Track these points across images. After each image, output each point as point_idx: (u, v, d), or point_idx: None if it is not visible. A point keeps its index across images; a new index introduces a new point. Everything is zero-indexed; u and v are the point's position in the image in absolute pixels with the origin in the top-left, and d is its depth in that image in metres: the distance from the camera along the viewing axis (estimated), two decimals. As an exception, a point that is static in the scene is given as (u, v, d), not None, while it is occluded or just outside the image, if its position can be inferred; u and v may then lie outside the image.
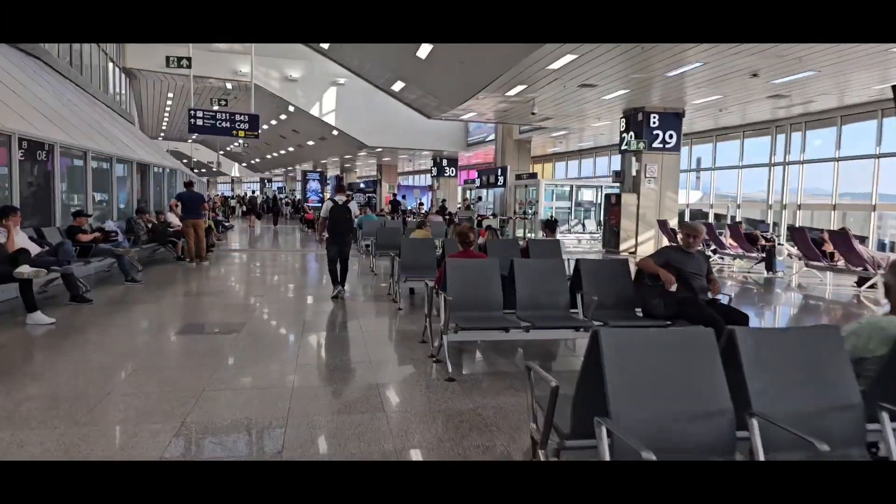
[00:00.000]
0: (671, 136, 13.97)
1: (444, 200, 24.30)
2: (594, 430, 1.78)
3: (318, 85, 21.09)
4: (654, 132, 13.84)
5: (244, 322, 5.71)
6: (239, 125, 14.02)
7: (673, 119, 13.94)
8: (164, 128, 32.60)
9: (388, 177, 33.84)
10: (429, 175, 30.30)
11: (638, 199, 14.19)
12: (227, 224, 19.57)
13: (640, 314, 4.50)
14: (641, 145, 13.71)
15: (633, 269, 4.79)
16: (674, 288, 4.19)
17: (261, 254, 13.55)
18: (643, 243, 14.42)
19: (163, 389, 3.70)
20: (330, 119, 21.73)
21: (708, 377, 1.93)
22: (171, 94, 23.34)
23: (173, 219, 11.14)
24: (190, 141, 37.49)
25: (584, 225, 19.24)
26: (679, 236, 4.63)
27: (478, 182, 23.15)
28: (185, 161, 38.67)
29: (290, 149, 33.38)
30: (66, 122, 9.57)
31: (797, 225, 14.07)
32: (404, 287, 6.73)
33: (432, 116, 18.11)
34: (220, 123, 13.94)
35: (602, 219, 16.71)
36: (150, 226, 10.65)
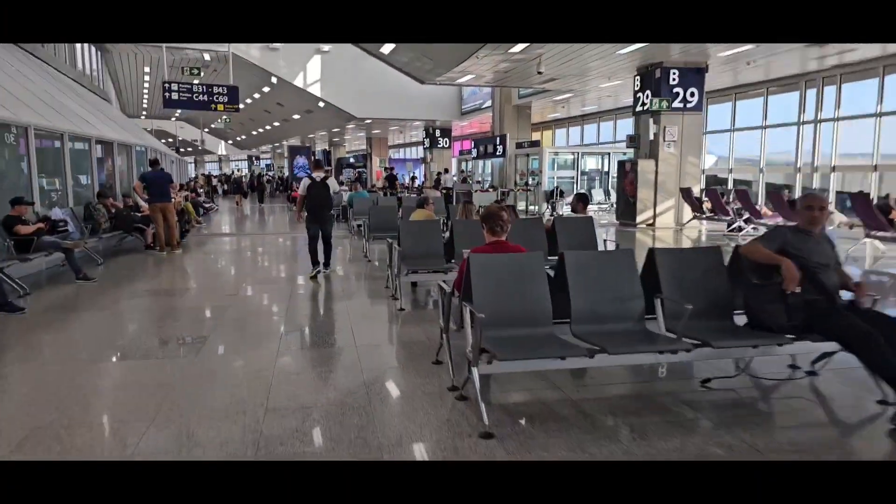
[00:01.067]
0: (693, 95, 12.53)
1: (439, 173, 22.80)
2: None
3: (302, 53, 19.64)
4: (674, 90, 12.40)
5: (205, 336, 4.52)
6: (217, 98, 13.03)
7: (694, 75, 12.48)
8: (145, 105, 30.70)
9: (379, 150, 32.27)
10: (421, 147, 28.62)
11: (656, 165, 12.84)
12: (207, 205, 18.08)
13: (743, 322, 3.25)
14: (664, 104, 12.28)
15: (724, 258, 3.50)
16: (798, 288, 2.93)
17: (242, 238, 12.21)
18: (662, 214, 13.15)
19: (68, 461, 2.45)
20: (315, 90, 20.31)
21: None
22: (147, 69, 21.67)
23: (142, 202, 9.82)
24: (174, 119, 35.71)
25: (590, 195, 17.96)
26: (799, 211, 3.14)
27: (474, 153, 21.65)
28: (169, 140, 36.96)
29: (276, 123, 31.63)
30: (4, 94, 8.11)
31: (819, 188, 12.84)
32: (406, 281, 5.46)
33: (426, 81, 16.53)
34: (196, 97, 12.98)
35: (614, 188, 15.44)
36: (113, 211, 9.44)
